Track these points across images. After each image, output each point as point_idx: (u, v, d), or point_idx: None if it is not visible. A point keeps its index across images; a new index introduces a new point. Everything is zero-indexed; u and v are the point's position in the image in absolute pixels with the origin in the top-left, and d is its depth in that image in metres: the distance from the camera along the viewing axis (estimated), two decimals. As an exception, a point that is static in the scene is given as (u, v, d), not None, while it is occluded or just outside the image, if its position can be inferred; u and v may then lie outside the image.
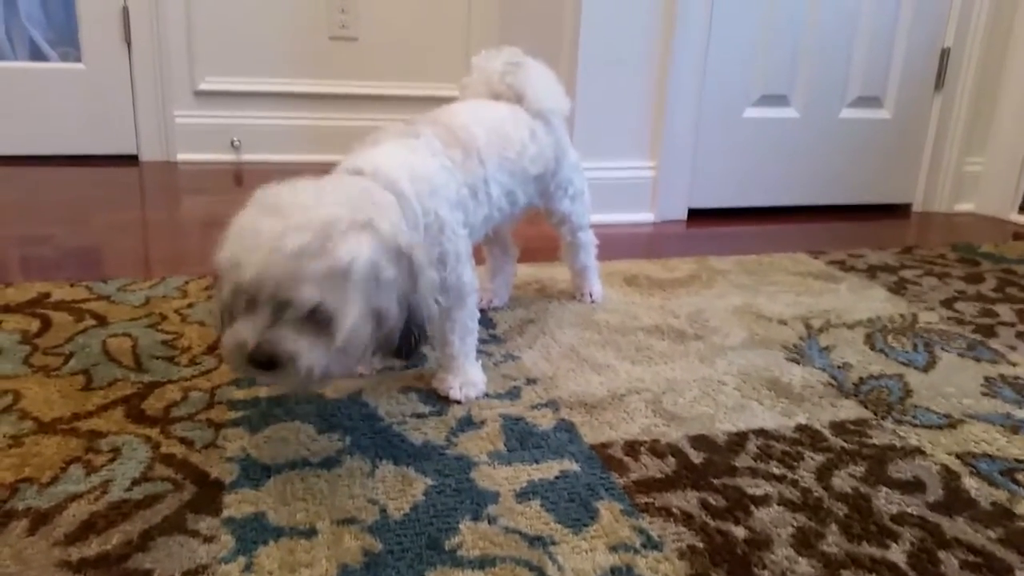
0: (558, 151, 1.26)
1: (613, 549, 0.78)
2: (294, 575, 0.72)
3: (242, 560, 0.74)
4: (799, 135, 2.11)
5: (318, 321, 0.75)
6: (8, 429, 0.93)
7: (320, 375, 0.78)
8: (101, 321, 1.23)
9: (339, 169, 0.93)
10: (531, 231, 1.39)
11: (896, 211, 2.27)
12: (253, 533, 0.77)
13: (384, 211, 0.85)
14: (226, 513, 0.80)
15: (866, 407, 1.09)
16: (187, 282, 1.41)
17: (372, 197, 0.86)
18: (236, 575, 0.72)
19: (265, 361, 0.76)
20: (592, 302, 1.42)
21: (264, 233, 0.74)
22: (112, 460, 0.88)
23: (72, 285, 1.37)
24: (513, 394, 1.08)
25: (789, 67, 2.05)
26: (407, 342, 0.85)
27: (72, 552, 0.74)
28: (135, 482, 0.85)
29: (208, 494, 0.83)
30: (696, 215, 2.07)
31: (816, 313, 1.41)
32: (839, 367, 1.21)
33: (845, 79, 2.11)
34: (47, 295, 1.32)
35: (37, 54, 2.60)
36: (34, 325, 1.21)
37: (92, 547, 0.75)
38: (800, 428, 1.03)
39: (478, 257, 1.16)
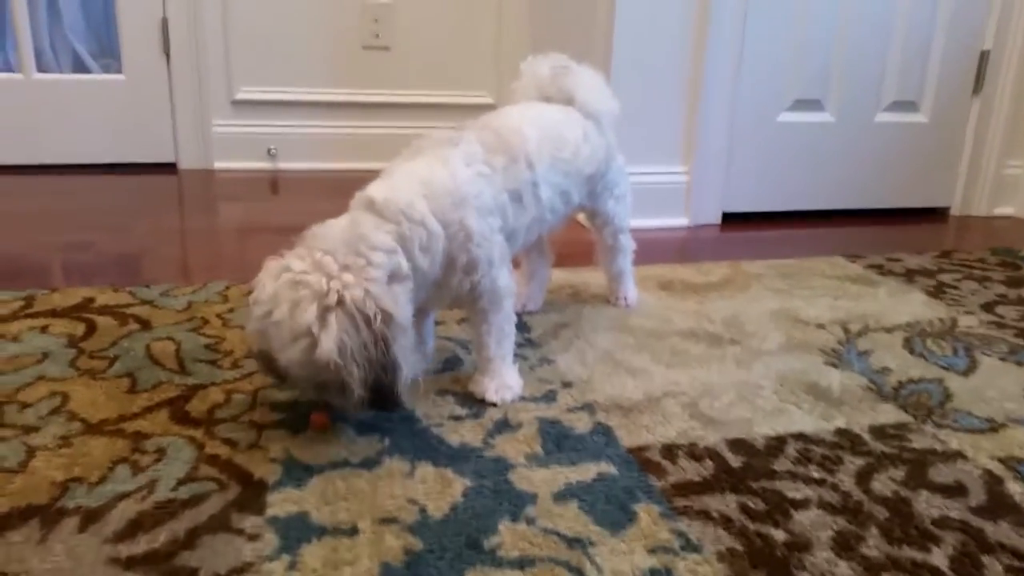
0: (608, 152, 1.28)
1: (652, 551, 0.78)
2: (338, 572, 0.73)
3: (286, 558, 0.75)
4: (834, 139, 2.10)
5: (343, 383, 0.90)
6: (57, 430, 0.96)
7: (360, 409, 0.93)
8: (145, 325, 1.26)
9: (356, 199, 0.98)
10: (564, 236, 1.39)
11: (934, 215, 2.25)
12: (296, 532, 0.79)
13: (367, 267, 0.90)
14: (270, 512, 0.82)
15: (906, 411, 1.08)
16: (228, 287, 1.43)
17: (360, 246, 0.91)
18: (281, 573, 0.73)
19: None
20: (627, 306, 1.42)
21: (274, 344, 0.90)
22: (158, 460, 0.90)
23: (115, 290, 1.40)
24: (549, 397, 1.09)
25: (823, 71, 2.04)
26: (381, 398, 0.91)
27: (121, 550, 0.76)
28: (181, 482, 0.86)
29: (252, 494, 0.85)
30: (730, 219, 2.07)
31: (854, 317, 1.40)
32: (878, 371, 1.19)
33: (880, 83, 2.09)
34: (91, 300, 1.35)
35: (80, 66, 2.66)
36: (79, 329, 1.24)
37: (140, 545, 0.76)
38: (839, 432, 1.02)
39: (513, 262, 1.17)
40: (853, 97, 2.08)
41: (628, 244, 1.40)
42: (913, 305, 1.47)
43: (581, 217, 1.43)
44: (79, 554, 0.75)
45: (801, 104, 2.05)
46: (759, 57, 1.97)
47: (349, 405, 0.91)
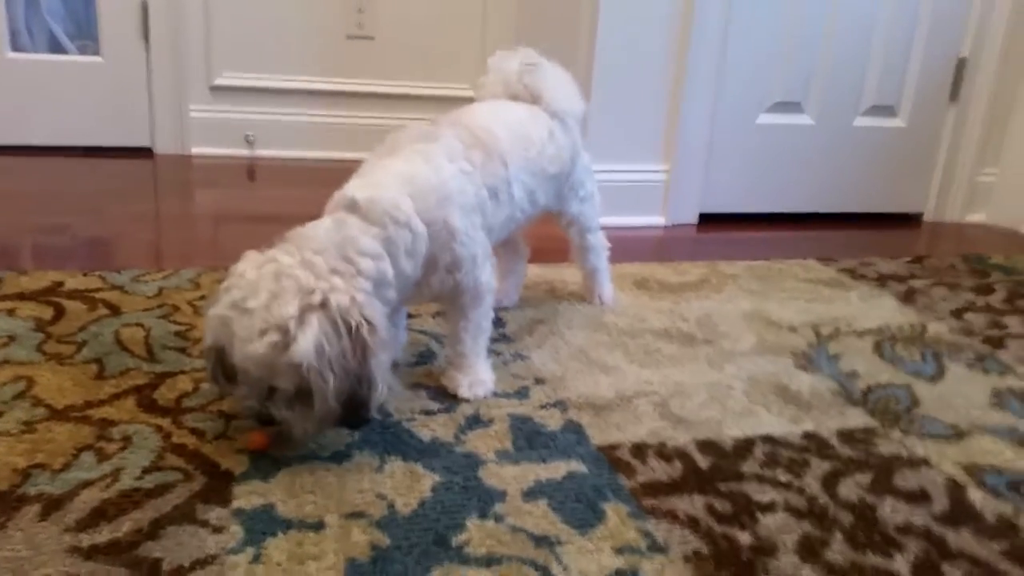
0: (573, 152, 1.27)
1: (619, 551, 0.79)
2: (302, 567, 0.73)
3: (251, 551, 0.75)
4: (813, 142, 2.11)
5: (301, 394, 0.85)
6: (21, 415, 0.94)
7: (311, 435, 0.90)
8: (114, 311, 1.24)
9: (336, 199, 0.95)
10: (541, 232, 1.39)
11: (907, 220, 2.27)
12: (262, 524, 0.78)
13: (356, 275, 0.88)
14: (235, 504, 0.81)
15: (873, 416, 1.09)
16: (200, 274, 1.41)
17: (349, 250, 0.89)
18: (244, 566, 0.73)
19: (270, 420, 0.88)
20: (603, 305, 1.42)
21: (239, 334, 0.83)
22: (123, 448, 0.89)
23: (85, 275, 1.38)
24: (522, 394, 1.09)
25: (804, 74, 2.05)
26: (352, 412, 0.87)
27: (83, 538, 0.75)
28: (146, 471, 0.85)
29: (218, 485, 0.84)
30: (707, 219, 2.08)
31: (826, 320, 1.41)
32: (847, 375, 1.21)
33: (860, 87, 2.10)
34: (61, 284, 1.33)
35: (56, 47, 2.61)
36: (48, 313, 1.22)
37: (103, 534, 0.76)
38: (807, 435, 1.03)
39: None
40: (833, 101, 2.10)
41: (599, 243, 1.39)
42: (884, 310, 1.49)
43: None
44: (39, 542, 0.74)
45: (781, 106, 2.06)
46: (741, 58, 1.97)
47: (312, 417, 0.86)
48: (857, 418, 1.08)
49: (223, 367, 0.88)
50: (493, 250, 1.31)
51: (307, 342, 0.81)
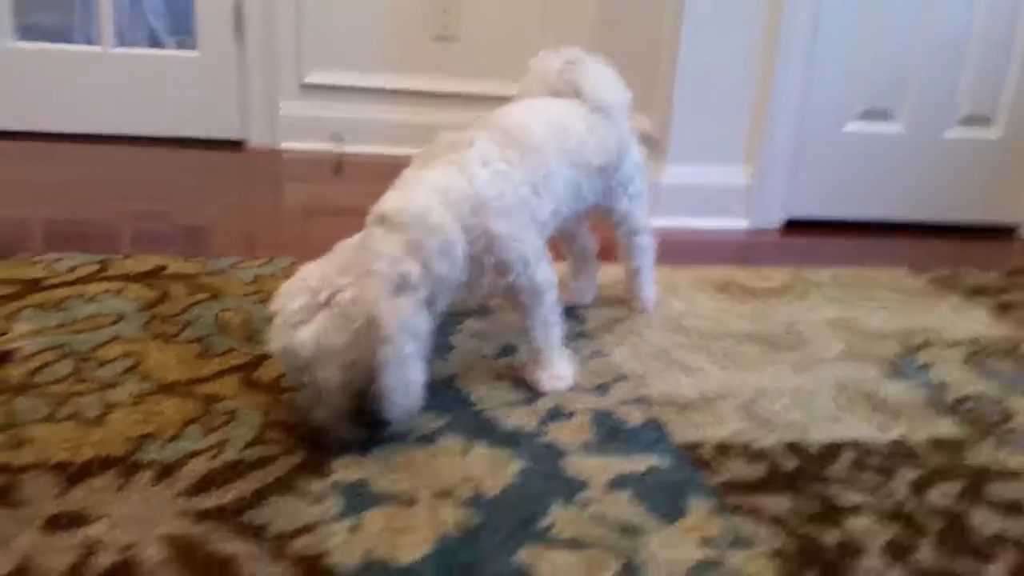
0: (620, 145, 1.24)
1: (703, 544, 0.79)
2: (397, 539, 0.76)
3: (349, 521, 0.78)
4: (902, 152, 2.06)
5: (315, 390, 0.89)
6: (132, 388, 1.00)
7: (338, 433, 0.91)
8: (214, 295, 1.30)
9: (372, 214, 0.96)
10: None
11: (1000, 233, 2.20)
12: (358, 498, 0.82)
13: (365, 276, 0.89)
14: (333, 478, 0.85)
15: (964, 427, 1.07)
16: (292, 263, 1.47)
17: (364, 256, 0.91)
18: (343, 535, 0.76)
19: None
20: (643, 310, 1.38)
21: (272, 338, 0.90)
22: (227, 423, 0.94)
23: (186, 260, 1.45)
24: (602, 389, 1.10)
25: (895, 82, 2.01)
26: (370, 411, 0.90)
27: (193, 503, 0.79)
28: (248, 444, 0.90)
29: (316, 460, 0.88)
30: (792, 225, 2.05)
31: (915, 330, 1.38)
32: (937, 385, 1.18)
33: (954, 96, 2.05)
34: (163, 267, 1.40)
35: (155, 42, 2.74)
36: (152, 295, 1.29)
37: (211, 500, 0.80)
38: (895, 443, 1.01)
39: (558, 253, 1.16)
40: (924, 109, 2.04)
41: (647, 244, 1.35)
42: (976, 322, 1.45)
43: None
44: (154, 504, 0.79)
45: (870, 114, 2.02)
46: (830, 64, 1.94)
47: (320, 415, 0.89)
48: (947, 428, 1.06)
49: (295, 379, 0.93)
50: (563, 248, 1.31)
51: (306, 334, 0.86)
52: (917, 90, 2.02)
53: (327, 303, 0.87)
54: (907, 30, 1.97)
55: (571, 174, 1.14)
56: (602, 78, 1.24)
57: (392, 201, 0.96)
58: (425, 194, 0.97)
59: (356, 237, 0.95)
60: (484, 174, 1.00)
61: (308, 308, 0.87)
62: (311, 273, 0.91)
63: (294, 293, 0.89)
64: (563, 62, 1.23)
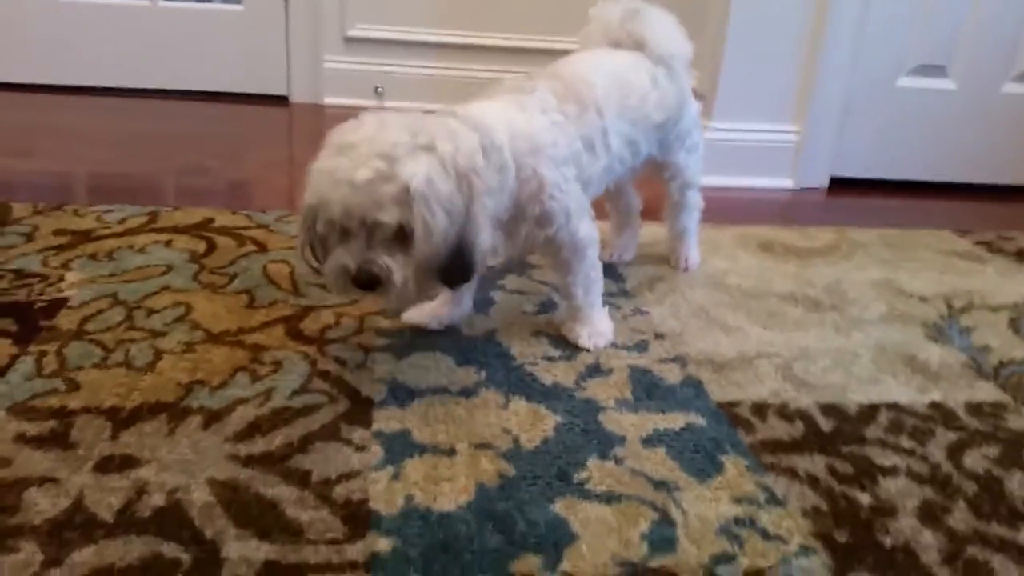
0: (680, 99, 1.22)
1: (737, 501, 0.80)
2: (437, 487, 0.79)
3: (391, 469, 0.81)
4: (956, 108, 2.01)
5: (403, 238, 0.84)
6: (182, 336, 1.04)
7: (412, 288, 0.87)
8: (261, 247, 1.33)
9: (438, 113, 0.95)
10: (660, 190, 1.38)
11: (1055, 195, 2.14)
12: (400, 447, 0.84)
13: (451, 137, 0.87)
14: (376, 427, 0.87)
15: (1005, 391, 1.06)
16: (335, 217, 1.49)
17: (443, 126, 0.88)
18: (385, 482, 0.79)
19: (366, 280, 0.85)
20: (686, 270, 1.37)
21: (340, 171, 0.82)
22: (274, 372, 0.97)
23: (233, 213, 1.47)
24: (641, 347, 1.11)
25: (949, 36, 1.94)
26: (455, 264, 0.87)
27: (240, 448, 0.83)
28: (295, 392, 0.93)
29: (360, 409, 0.91)
30: (838, 184, 2.01)
31: (959, 293, 1.36)
32: (979, 349, 1.17)
33: (1010, 51, 1.98)
34: (211, 220, 1.43)
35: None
36: (201, 246, 1.32)
37: (258, 446, 0.83)
38: (934, 405, 1.01)
39: (600, 211, 1.16)
40: (979, 65, 1.98)
41: (696, 202, 1.34)
42: (1022, 286, 1.42)
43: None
44: (202, 448, 0.82)
45: (923, 69, 1.96)
46: (883, 17, 1.89)
47: (413, 264, 0.84)
48: (987, 392, 1.05)
49: (313, 231, 0.87)
50: (606, 205, 1.30)
51: (417, 167, 0.82)
52: (972, 44, 1.96)
53: (428, 148, 0.84)
54: (965, -18, 1.90)
55: (629, 131, 1.13)
56: (665, 28, 1.22)
57: (466, 108, 0.96)
58: (493, 117, 0.97)
59: (412, 113, 0.91)
60: (543, 121, 1.01)
61: (408, 147, 0.83)
62: (390, 121, 0.86)
63: (386, 125, 0.84)
64: (624, 11, 1.21)
